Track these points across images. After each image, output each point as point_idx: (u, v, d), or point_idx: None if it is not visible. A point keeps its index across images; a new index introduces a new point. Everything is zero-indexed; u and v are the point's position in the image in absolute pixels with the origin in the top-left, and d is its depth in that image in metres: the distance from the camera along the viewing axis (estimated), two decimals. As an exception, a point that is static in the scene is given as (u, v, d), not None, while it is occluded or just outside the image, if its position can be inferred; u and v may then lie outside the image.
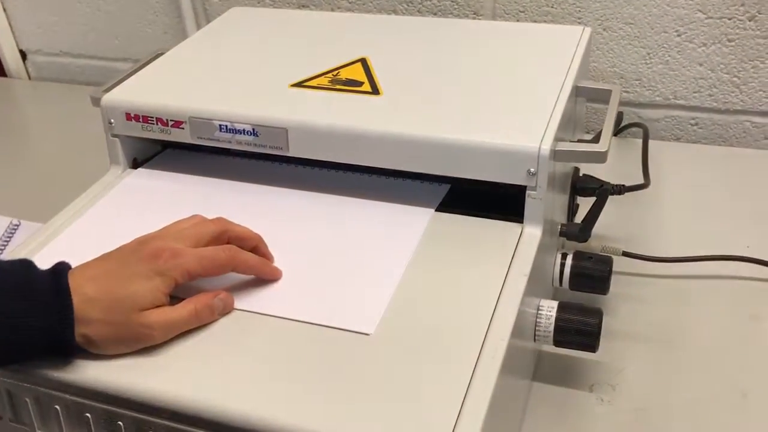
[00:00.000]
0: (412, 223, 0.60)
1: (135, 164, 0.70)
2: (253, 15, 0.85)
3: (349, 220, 0.61)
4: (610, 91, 0.68)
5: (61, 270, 0.48)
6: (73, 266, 0.50)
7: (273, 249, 0.56)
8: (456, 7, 1.05)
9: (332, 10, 1.11)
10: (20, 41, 1.34)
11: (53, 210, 0.64)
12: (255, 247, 0.55)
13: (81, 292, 0.47)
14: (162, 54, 0.76)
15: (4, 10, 1.30)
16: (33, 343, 0.46)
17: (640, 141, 0.95)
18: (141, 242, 0.51)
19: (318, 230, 0.60)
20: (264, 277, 0.54)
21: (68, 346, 0.47)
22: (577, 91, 0.69)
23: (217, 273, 0.52)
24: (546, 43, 0.74)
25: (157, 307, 0.49)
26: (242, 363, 0.48)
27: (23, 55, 1.35)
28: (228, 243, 0.54)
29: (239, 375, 0.47)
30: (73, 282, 0.47)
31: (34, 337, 0.46)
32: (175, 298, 0.50)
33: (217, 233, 0.53)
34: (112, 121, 0.67)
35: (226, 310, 0.52)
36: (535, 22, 1.03)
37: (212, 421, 0.45)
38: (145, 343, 0.49)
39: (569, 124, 0.67)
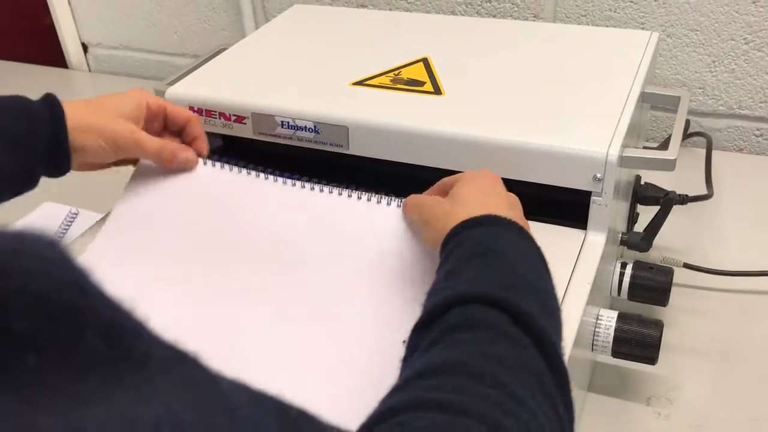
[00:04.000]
0: None
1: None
2: (314, 13, 0.85)
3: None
4: (678, 98, 0.67)
5: (51, 95, 0.57)
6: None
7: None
8: (516, 9, 1.04)
9: (390, 10, 1.11)
10: (82, 34, 1.37)
11: (110, 199, 0.65)
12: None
13: (71, 108, 0.56)
14: (224, 50, 0.77)
15: (69, 2, 1.33)
16: (35, 152, 0.54)
17: (700, 150, 0.93)
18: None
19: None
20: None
21: (64, 153, 0.55)
22: (644, 98, 0.68)
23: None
24: (612, 47, 0.72)
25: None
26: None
27: (85, 48, 1.38)
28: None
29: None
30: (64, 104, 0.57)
31: (36, 146, 0.54)
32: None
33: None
34: (176, 113, 0.68)
35: (187, 165, 0.59)
36: (596, 26, 1.01)
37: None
38: (131, 153, 0.58)
39: (635, 130, 0.66)
